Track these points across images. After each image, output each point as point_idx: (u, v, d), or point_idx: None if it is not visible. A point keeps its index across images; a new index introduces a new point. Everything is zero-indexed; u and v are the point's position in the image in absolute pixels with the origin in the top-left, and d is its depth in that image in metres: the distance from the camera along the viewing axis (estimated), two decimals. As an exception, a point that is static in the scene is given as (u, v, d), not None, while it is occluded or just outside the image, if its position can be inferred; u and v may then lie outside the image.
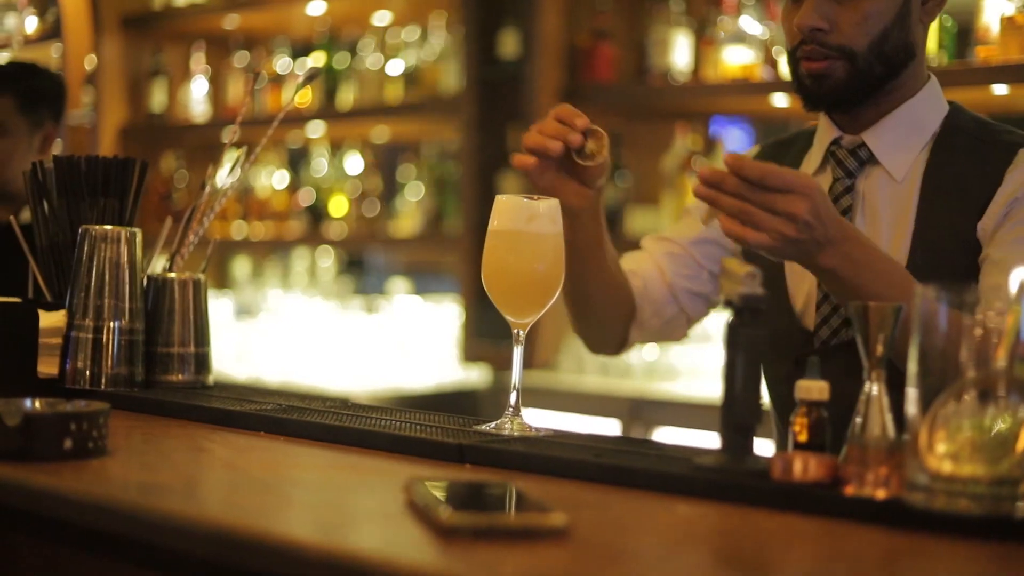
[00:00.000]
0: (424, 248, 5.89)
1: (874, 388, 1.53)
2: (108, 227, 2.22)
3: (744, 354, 1.48)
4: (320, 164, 6.04)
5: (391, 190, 5.85)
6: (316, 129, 5.87)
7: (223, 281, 6.64)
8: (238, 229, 6.07)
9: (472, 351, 4.91)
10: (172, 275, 2.29)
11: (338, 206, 5.80)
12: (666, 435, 4.23)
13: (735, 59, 4.40)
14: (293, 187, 6.06)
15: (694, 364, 4.52)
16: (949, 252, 2.07)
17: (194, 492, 1.43)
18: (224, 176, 2.45)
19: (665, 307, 2.37)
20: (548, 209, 1.80)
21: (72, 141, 6.50)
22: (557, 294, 1.84)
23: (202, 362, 2.29)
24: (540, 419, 4.61)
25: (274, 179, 6.12)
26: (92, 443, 1.61)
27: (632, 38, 4.87)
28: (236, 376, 5.30)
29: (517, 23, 4.92)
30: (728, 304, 1.49)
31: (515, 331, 1.84)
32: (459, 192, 5.14)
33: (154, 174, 6.38)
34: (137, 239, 2.25)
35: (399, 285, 6.06)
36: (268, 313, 5.98)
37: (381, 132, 5.91)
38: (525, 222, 1.78)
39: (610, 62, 4.81)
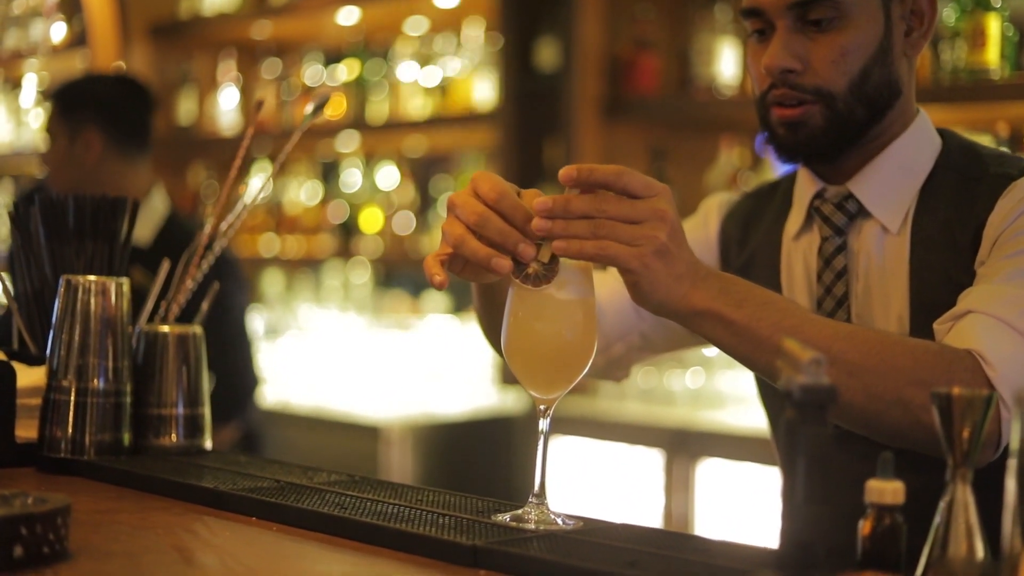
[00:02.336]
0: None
1: (959, 492, 1.30)
2: (92, 277, 2.00)
3: (805, 458, 1.24)
4: (352, 177, 5.84)
5: (426, 204, 5.65)
6: (348, 141, 5.66)
7: (253, 297, 6.45)
8: (269, 243, 5.88)
9: (510, 373, 4.70)
10: (165, 329, 2.07)
11: (371, 220, 5.61)
12: (712, 468, 4.03)
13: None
14: (325, 201, 5.86)
15: (742, 391, 4.30)
16: (950, 307, 1.77)
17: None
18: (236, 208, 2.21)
19: (614, 344, 2.13)
20: (579, 271, 1.56)
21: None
22: (587, 369, 1.60)
23: (197, 424, 2.07)
24: (579, 448, 4.46)
25: (306, 193, 5.92)
26: (48, 548, 1.39)
27: (675, 47, 4.67)
28: (262, 401, 5.09)
29: (556, 32, 4.73)
30: (787, 396, 1.26)
31: (540, 407, 1.61)
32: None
33: (182, 186, 6.20)
34: (124, 289, 2.02)
35: (434, 303, 5.86)
36: (298, 331, 5.79)
37: (415, 144, 5.71)
38: (554, 286, 1.54)
39: (652, 73, 4.61)
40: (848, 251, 1.94)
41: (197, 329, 2.10)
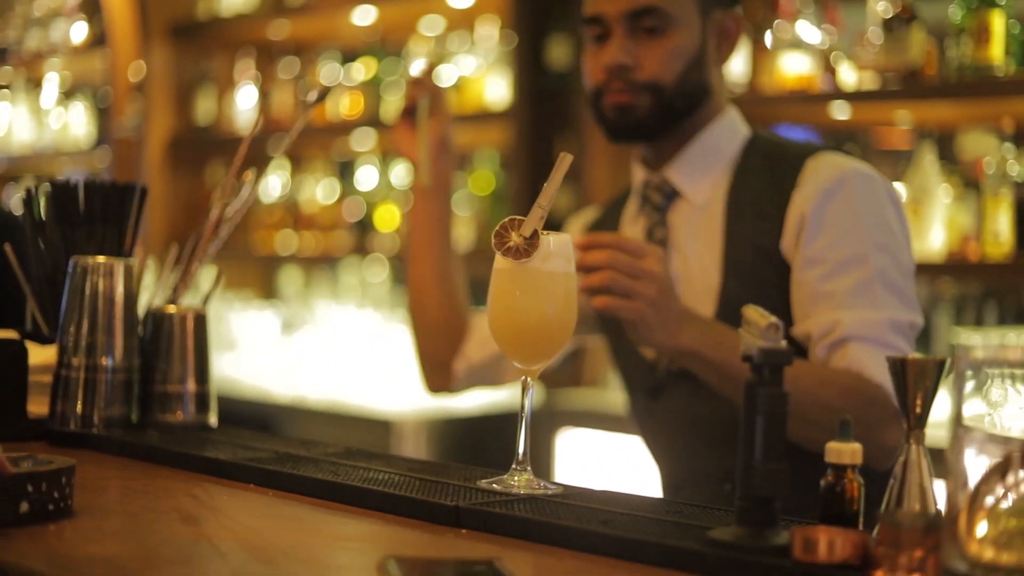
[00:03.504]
0: (474, 260, 5.76)
1: (912, 452, 1.37)
2: (101, 258, 2.08)
3: (764, 417, 1.31)
4: (368, 175, 5.91)
5: (440, 201, 5.69)
6: (364, 139, 5.74)
7: (270, 294, 6.53)
8: (286, 241, 5.95)
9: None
10: (172, 309, 2.15)
11: (387, 218, 5.67)
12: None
13: (793, 67, 4.22)
14: (341, 199, 5.93)
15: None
16: (757, 270, 2.20)
17: (148, 570, 1.28)
18: (236, 201, 2.28)
19: (490, 341, 2.25)
20: (559, 245, 1.63)
21: (118, 153, 6.42)
22: (568, 341, 1.68)
23: (203, 401, 2.15)
24: (590, 441, 4.52)
25: (323, 191, 6.00)
26: (53, 505, 1.47)
27: (685, 46, 4.70)
28: (279, 394, 5.17)
29: (566, 31, 4.79)
30: (746, 359, 1.33)
31: (523, 378, 1.68)
32: (510, 203, 5.00)
33: (200, 185, 6.28)
34: (133, 270, 2.10)
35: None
36: (315, 327, 5.85)
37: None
38: (536, 260, 1.62)
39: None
40: (665, 225, 2.32)
41: (203, 309, 2.18)
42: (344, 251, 5.74)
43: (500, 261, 1.63)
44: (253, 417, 5.12)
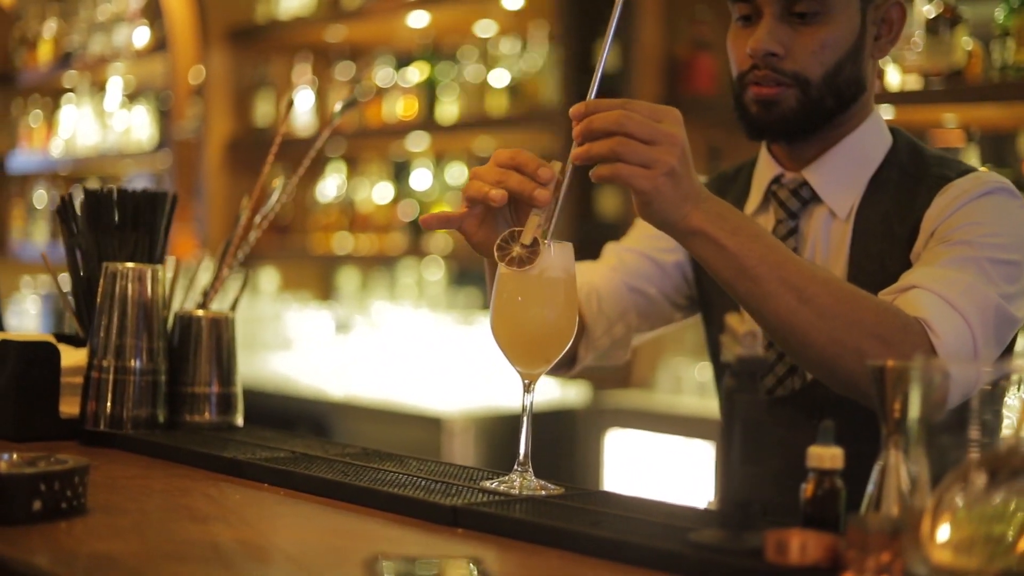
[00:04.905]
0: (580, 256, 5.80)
1: (891, 457, 1.41)
2: (131, 264, 2.15)
3: (741, 422, 1.35)
4: (423, 176, 5.97)
5: (495, 202, 5.75)
6: (419, 141, 5.80)
7: (327, 294, 6.61)
8: (342, 241, 6.03)
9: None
10: (200, 313, 2.21)
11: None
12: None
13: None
14: (396, 200, 6.00)
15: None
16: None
17: (144, 567, 1.34)
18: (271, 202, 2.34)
19: (615, 325, 2.25)
20: (560, 252, 1.68)
21: (178, 155, 6.52)
22: (569, 344, 1.72)
23: (229, 402, 2.22)
24: (636, 441, 4.56)
25: (378, 192, 6.07)
26: (66, 503, 1.54)
27: (732, 48, 4.73)
28: (333, 393, 5.24)
29: (615, 33, 4.81)
30: (725, 367, 1.37)
31: (525, 381, 1.72)
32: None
33: (258, 187, 6.36)
34: (160, 276, 2.17)
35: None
36: (370, 327, 5.93)
37: (484, 144, 5.83)
38: (536, 267, 1.66)
39: (709, 73, 4.69)
40: (799, 234, 2.10)
41: (229, 313, 2.24)
42: (399, 251, 5.81)
43: (503, 268, 1.68)
44: (307, 415, 5.20)
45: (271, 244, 6.33)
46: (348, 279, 6.56)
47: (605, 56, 1.70)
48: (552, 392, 5.01)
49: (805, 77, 2.00)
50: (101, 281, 2.15)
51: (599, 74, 1.70)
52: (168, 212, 2.29)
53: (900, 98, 3.99)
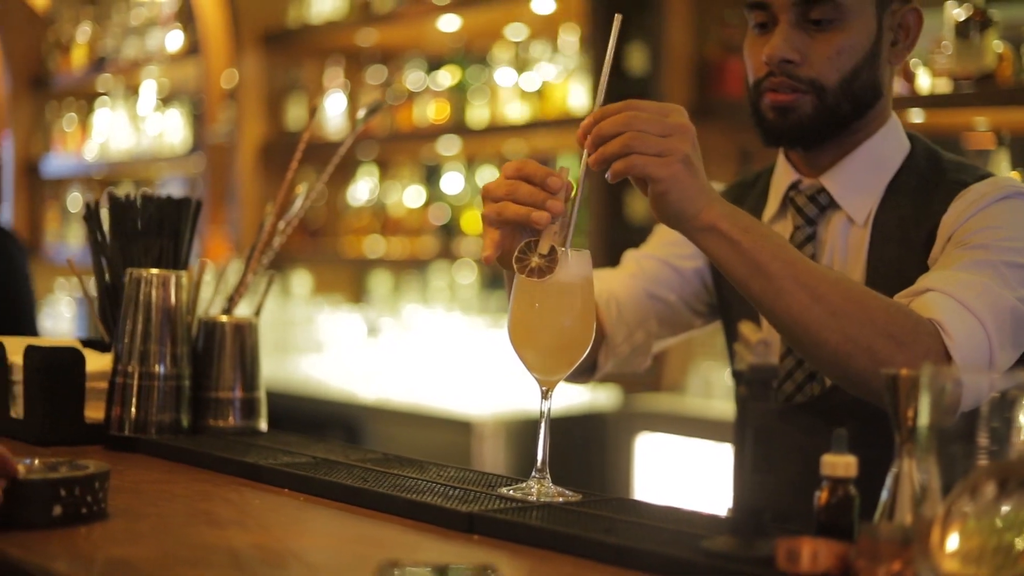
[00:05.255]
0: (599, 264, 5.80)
1: (905, 465, 1.41)
2: (155, 270, 2.17)
3: (753, 430, 1.36)
4: (454, 180, 5.99)
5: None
6: (450, 145, 5.82)
7: (359, 297, 6.63)
8: (374, 245, 6.05)
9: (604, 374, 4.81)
10: (224, 318, 2.23)
11: (473, 222, 5.74)
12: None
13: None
14: (428, 203, 6.02)
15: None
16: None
17: (160, 572, 1.35)
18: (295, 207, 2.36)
19: (635, 332, 2.26)
20: (577, 259, 1.68)
21: (211, 158, 6.56)
22: (587, 351, 1.72)
23: (252, 407, 2.23)
24: (667, 445, 4.56)
25: (410, 195, 6.09)
26: (86, 508, 1.55)
27: (762, 52, 4.72)
28: (364, 397, 5.26)
29: (645, 37, 4.83)
30: (737, 375, 1.38)
31: (543, 388, 1.73)
32: (590, 208, 5.05)
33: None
34: (183, 282, 2.19)
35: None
36: (402, 330, 5.94)
37: (515, 147, 5.84)
38: (555, 275, 1.67)
39: (739, 76, 4.67)
40: (817, 240, 2.10)
41: (253, 319, 2.26)
42: (431, 255, 5.82)
43: (518, 279, 1.68)
44: (338, 419, 5.22)
45: (303, 247, 6.36)
46: (380, 282, 6.58)
47: (606, 74, 1.71)
48: (582, 396, 5.02)
49: (821, 84, 2.00)
50: (125, 287, 2.17)
51: (603, 92, 1.70)
52: (193, 218, 2.30)
53: (930, 101, 3.98)
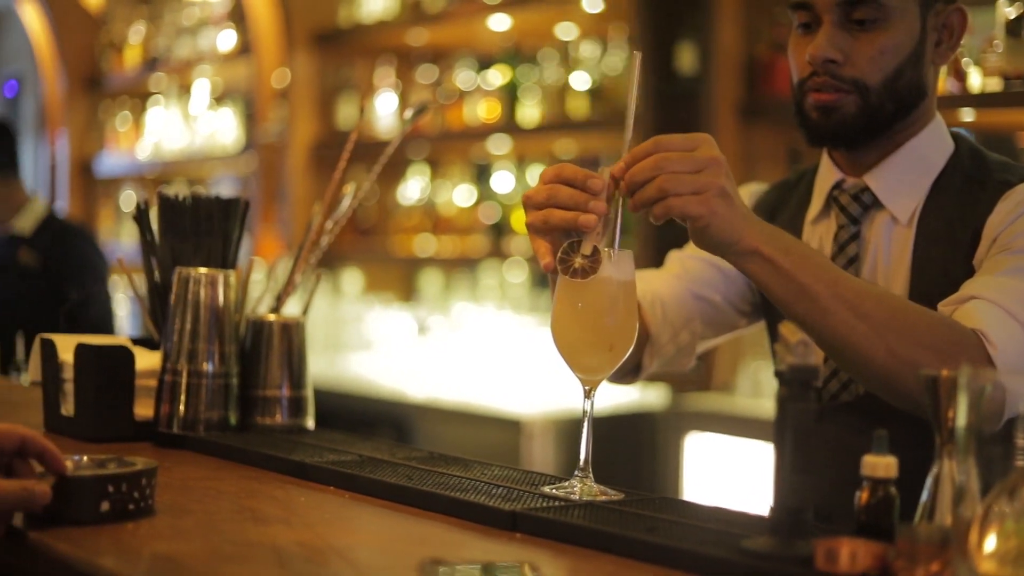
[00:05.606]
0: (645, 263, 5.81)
1: (945, 466, 1.41)
2: (203, 270, 2.19)
3: (792, 431, 1.36)
4: (504, 179, 6.00)
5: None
6: (500, 144, 5.83)
7: (410, 296, 6.66)
8: (425, 244, 6.07)
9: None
10: (272, 317, 2.25)
11: (523, 221, 5.73)
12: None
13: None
14: (478, 202, 6.04)
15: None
16: (944, 299, 1.93)
17: (203, 568, 1.37)
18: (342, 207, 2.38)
19: (680, 332, 2.26)
20: (620, 259, 1.69)
21: (263, 158, 6.60)
22: (629, 351, 1.73)
23: (300, 405, 2.25)
24: (717, 445, 4.55)
25: (460, 194, 6.11)
26: (133, 504, 1.57)
27: (812, 50, 4.71)
28: (414, 395, 5.28)
29: (694, 37, 4.83)
30: (778, 375, 1.38)
31: (585, 388, 1.74)
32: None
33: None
34: (232, 281, 2.21)
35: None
36: (452, 329, 5.96)
37: (565, 147, 5.85)
38: (599, 275, 1.68)
39: (789, 75, 4.65)
40: (860, 240, 2.10)
41: (300, 318, 2.28)
42: (481, 254, 5.84)
43: (561, 279, 1.69)
44: (387, 417, 5.24)
45: (354, 246, 6.40)
46: (430, 281, 6.60)
47: (631, 114, 1.72)
48: (631, 395, 5.02)
49: (864, 83, 2.01)
50: (174, 286, 2.19)
51: (631, 126, 1.71)
52: (241, 218, 2.32)
53: (981, 100, 3.96)
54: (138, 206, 2.33)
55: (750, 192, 2.37)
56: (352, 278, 6.57)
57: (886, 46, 2.00)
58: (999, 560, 1.18)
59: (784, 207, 2.27)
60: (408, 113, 2.35)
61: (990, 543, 1.19)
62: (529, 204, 1.73)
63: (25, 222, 5.05)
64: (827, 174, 2.17)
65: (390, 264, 6.64)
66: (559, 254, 1.68)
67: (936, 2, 2.05)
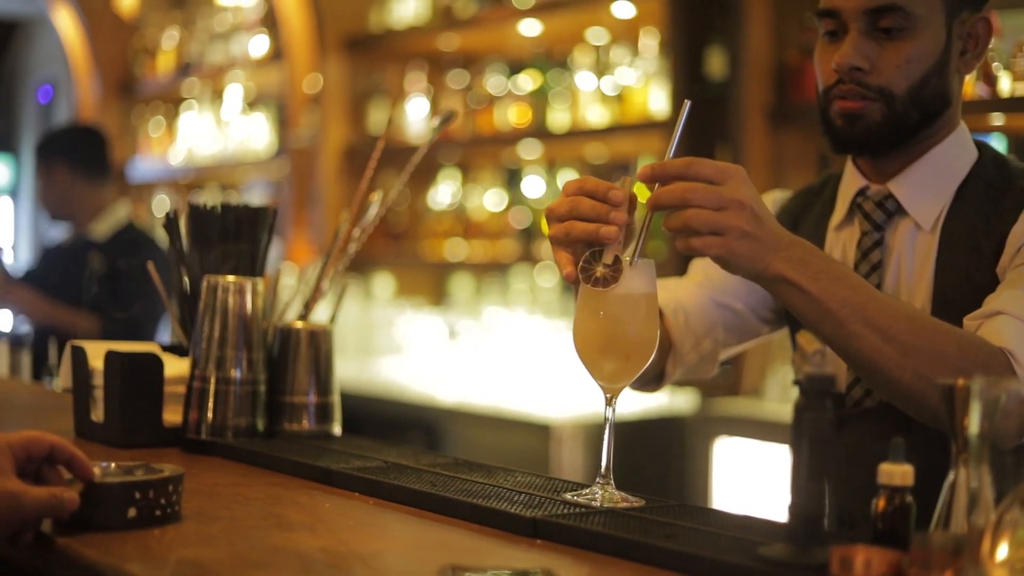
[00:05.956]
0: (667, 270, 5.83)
1: (961, 475, 1.42)
2: (231, 277, 2.22)
3: (809, 440, 1.38)
4: (535, 184, 6.02)
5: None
6: (531, 149, 5.85)
7: (441, 300, 6.68)
8: (456, 248, 6.09)
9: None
10: (299, 325, 2.28)
11: (553, 227, 5.74)
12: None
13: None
14: (509, 207, 6.06)
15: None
16: (968, 308, 1.94)
17: (228, 573, 1.40)
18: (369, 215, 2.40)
19: (703, 341, 2.28)
20: (641, 268, 1.71)
21: (295, 162, 6.64)
22: (650, 359, 1.75)
23: (326, 411, 2.28)
24: (746, 450, 4.56)
25: (491, 199, 6.13)
26: (160, 511, 1.60)
27: (841, 55, 4.71)
28: (443, 399, 5.30)
29: (724, 41, 4.84)
30: (796, 384, 1.40)
31: (606, 395, 1.76)
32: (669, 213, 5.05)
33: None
34: (259, 289, 2.24)
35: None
36: (482, 333, 5.98)
37: (595, 151, 5.86)
38: (620, 284, 1.70)
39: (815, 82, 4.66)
40: (884, 246, 2.11)
41: (328, 325, 2.30)
42: (512, 258, 5.86)
43: (583, 289, 1.71)
44: (418, 422, 5.27)
45: (385, 250, 6.43)
46: (461, 285, 6.63)
47: (672, 150, 1.76)
48: (660, 400, 5.03)
49: (890, 91, 2.01)
50: (202, 293, 2.22)
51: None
52: (270, 226, 2.35)
53: (1011, 105, 3.97)
54: (168, 215, 2.36)
55: (774, 199, 2.38)
56: (383, 282, 6.60)
57: (912, 55, 2.01)
58: (1011, 569, 1.19)
59: (808, 213, 2.28)
60: (435, 121, 2.37)
61: (1002, 551, 1.20)
62: (552, 217, 1.75)
63: (102, 227, 5.08)
64: (851, 181, 2.18)
65: (421, 269, 6.67)
66: (581, 263, 1.70)
67: (962, 11, 2.06)
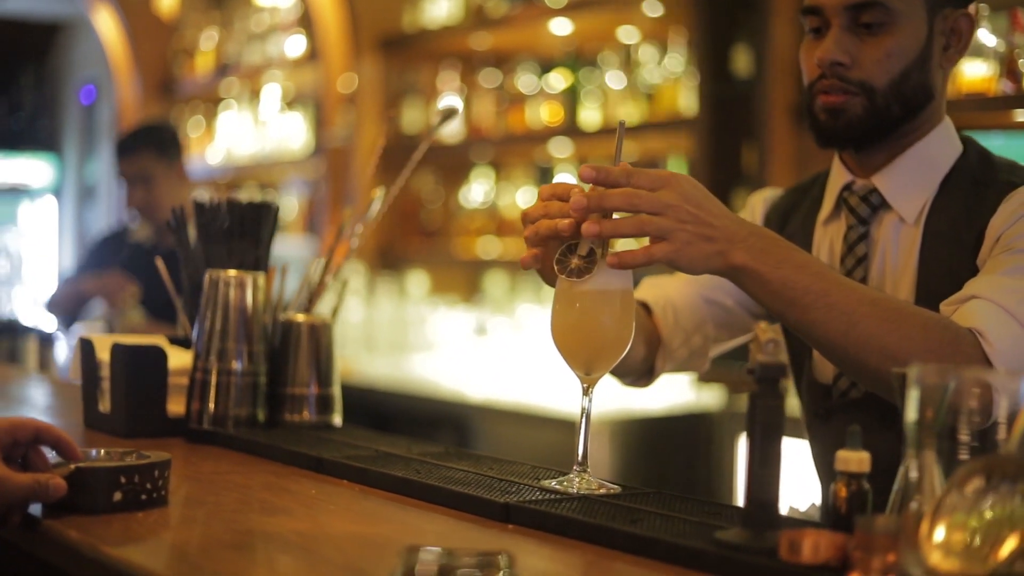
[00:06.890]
0: (663, 267, 5.84)
1: (913, 467, 1.45)
2: (232, 272, 2.27)
3: (762, 426, 1.42)
4: (567, 181, 6.04)
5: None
6: (562, 147, 5.89)
7: (474, 298, 6.72)
8: (488, 246, 6.13)
9: (707, 372, 4.82)
10: (300, 318, 2.33)
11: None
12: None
13: (972, 73, 4.21)
14: (541, 205, 6.08)
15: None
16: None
17: (196, 553, 1.45)
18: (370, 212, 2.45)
19: (693, 336, 2.31)
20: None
21: (330, 161, 6.70)
22: (626, 350, 1.79)
23: (326, 403, 2.33)
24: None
25: (523, 197, 6.17)
26: (146, 495, 1.65)
27: (865, 53, 4.72)
28: (472, 395, 5.35)
29: (749, 40, 4.86)
30: (749, 373, 1.44)
31: (583, 386, 1.80)
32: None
33: (405, 192, 6.51)
34: (260, 283, 2.29)
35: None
36: (513, 331, 6.02)
37: (626, 148, 5.87)
38: (593, 278, 1.74)
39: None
40: (869, 240, 2.14)
41: (328, 318, 2.35)
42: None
43: (560, 281, 1.76)
44: (449, 418, 5.31)
45: (419, 248, 6.48)
46: (494, 283, 6.67)
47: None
48: (687, 395, 5.06)
49: (871, 85, 2.05)
50: (205, 287, 2.28)
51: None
52: (272, 222, 2.40)
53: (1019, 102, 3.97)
54: (174, 212, 2.42)
55: (764, 197, 2.42)
56: (417, 280, 6.65)
57: (892, 49, 2.04)
58: (948, 551, 1.23)
59: (797, 210, 2.31)
60: (436, 120, 2.42)
61: (939, 534, 1.24)
62: (526, 219, 1.81)
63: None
64: (837, 176, 2.21)
65: (454, 266, 6.72)
66: (557, 255, 1.74)
67: (944, 7, 2.09)
